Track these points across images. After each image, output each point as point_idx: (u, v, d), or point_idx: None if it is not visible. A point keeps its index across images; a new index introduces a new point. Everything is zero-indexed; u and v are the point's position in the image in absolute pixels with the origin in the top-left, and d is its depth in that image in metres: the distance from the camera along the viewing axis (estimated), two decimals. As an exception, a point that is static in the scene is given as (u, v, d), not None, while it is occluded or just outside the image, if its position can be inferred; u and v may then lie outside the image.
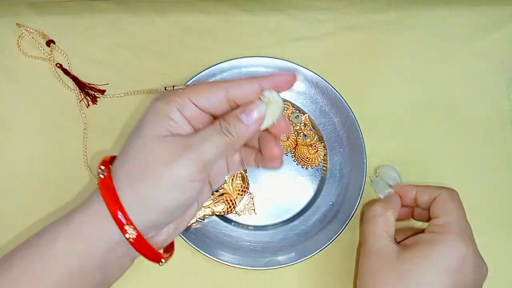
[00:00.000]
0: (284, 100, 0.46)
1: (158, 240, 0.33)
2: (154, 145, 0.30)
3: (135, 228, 0.30)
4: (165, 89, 0.45)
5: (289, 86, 0.33)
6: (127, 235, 0.30)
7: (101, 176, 0.31)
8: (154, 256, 0.32)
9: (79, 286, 0.31)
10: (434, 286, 0.35)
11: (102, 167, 0.32)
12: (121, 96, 0.46)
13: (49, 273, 0.30)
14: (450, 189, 0.41)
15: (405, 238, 0.39)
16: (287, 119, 0.37)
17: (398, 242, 0.39)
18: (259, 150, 0.34)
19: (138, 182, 0.30)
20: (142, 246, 0.31)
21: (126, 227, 0.30)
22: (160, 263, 0.33)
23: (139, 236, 0.30)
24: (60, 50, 0.46)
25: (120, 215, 0.30)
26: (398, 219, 0.41)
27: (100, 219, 0.31)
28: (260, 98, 0.32)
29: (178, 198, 0.31)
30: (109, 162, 0.32)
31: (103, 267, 0.31)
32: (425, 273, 0.35)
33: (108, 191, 0.30)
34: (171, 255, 0.35)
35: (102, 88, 0.46)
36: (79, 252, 0.30)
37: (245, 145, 0.35)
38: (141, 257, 0.42)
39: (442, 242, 0.36)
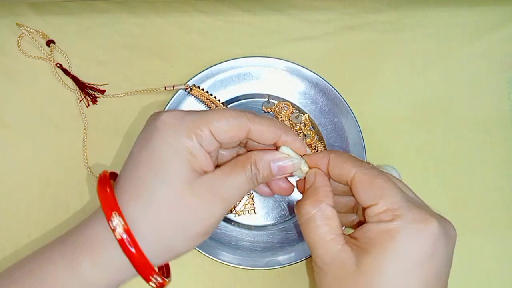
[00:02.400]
0: (284, 100, 0.46)
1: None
2: (185, 197, 0.29)
3: (125, 223, 0.28)
4: (165, 89, 0.45)
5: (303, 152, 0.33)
6: (117, 232, 0.28)
7: (120, 230, 0.28)
8: (146, 270, 0.29)
9: None
10: (409, 286, 0.28)
11: (118, 219, 0.28)
12: (121, 96, 0.46)
13: None
14: (363, 163, 0.32)
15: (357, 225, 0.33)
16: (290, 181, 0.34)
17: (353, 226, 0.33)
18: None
19: (166, 234, 0.29)
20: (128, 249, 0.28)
21: (114, 220, 0.28)
22: (150, 283, 0.30)
23: (128, 231, 0.28)
24: (60, 50, 0.46)
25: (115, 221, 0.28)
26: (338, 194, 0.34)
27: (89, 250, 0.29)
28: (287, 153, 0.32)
29: (199, 242, 0.31)
30: (110, 181, 0.30)
31: None
32: (395, 276, 0.28)
33: (131, 238, 0.28)
34: (168, 280, 0.31)
35: (102, 88, 0.46)
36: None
37: None
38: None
39: (400, 231, 0.28)
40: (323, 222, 0.30)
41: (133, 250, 0.28)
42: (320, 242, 0.30)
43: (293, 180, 0.35)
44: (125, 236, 0.27)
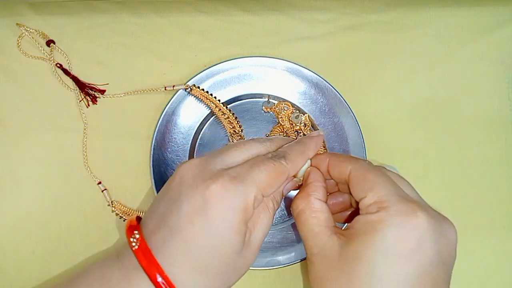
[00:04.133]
0: (284, 100, 0.46)
1: None
2: (235, 264, 0.31)
3: None
4: (165, 89, 0.45)
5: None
6: None
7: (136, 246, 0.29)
8: None
9: None
10: (389, 279, 0.28)
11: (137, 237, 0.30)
12: (121, 96, 0.46)
13: None
14: (360, 160, 0.33)
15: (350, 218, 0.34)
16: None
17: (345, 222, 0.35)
18: None
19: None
20: None
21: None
22: None
23: None
24: (60, 50, 0.46)
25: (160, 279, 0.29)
26: (332, 192, 0.36)
27: None
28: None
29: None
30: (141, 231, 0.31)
31: None
32: (374, 267, 0.28)
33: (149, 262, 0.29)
34: None
35: (102, 88, 0.46)
36: None
37: None
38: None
39: (382, 223, 0.28)
40: (312, 215, 0.32)
41: None
42: (309, 234, 0.32)
43: None
44: None
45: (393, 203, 0.29)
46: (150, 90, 0.46)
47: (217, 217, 0.29)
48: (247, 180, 0.30)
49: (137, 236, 0.30)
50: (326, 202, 0.33)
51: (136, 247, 0.29)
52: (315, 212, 0.32)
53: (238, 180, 0.30)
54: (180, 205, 0.30)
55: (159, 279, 0.28)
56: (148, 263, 0.29)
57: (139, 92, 0.46)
